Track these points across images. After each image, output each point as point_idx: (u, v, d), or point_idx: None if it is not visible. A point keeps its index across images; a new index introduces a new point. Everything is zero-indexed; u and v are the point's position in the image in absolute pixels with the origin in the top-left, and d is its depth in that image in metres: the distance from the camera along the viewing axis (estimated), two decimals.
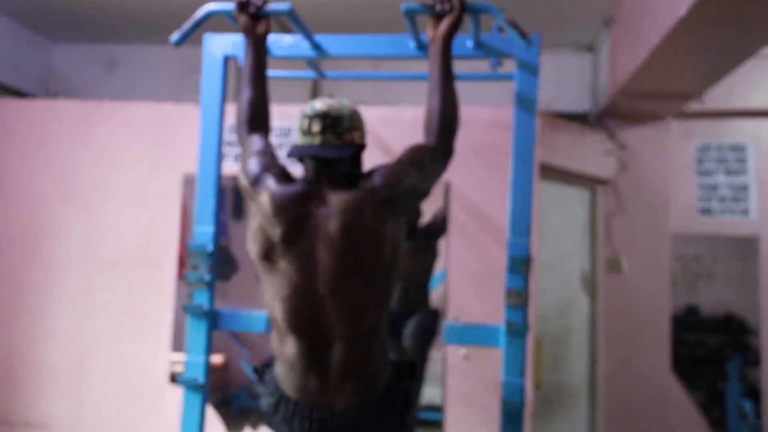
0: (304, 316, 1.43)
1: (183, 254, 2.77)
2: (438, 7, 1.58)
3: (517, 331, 1.67)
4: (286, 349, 1.47)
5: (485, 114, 2.69)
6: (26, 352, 2.83)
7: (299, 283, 1.42)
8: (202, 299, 1.83)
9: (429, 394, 2.75)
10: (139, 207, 2.84)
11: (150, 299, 2.79)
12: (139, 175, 2.85)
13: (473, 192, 2.68)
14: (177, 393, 2.19)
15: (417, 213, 2.71)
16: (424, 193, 1.52)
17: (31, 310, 2.85)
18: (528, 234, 1.71)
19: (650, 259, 3.54)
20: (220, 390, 3.04)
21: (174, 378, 2.71)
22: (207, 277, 1.82)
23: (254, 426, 2.87)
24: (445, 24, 1.57)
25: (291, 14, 1.68)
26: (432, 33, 1.60)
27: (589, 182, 3.54)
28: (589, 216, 3.61)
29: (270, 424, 1.54)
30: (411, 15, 1.65)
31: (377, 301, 1.46)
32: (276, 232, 1.42)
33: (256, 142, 1.58)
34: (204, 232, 1.85)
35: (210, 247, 1.83)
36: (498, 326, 1.73)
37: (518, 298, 1.68)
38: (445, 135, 1.54)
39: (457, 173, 2.55)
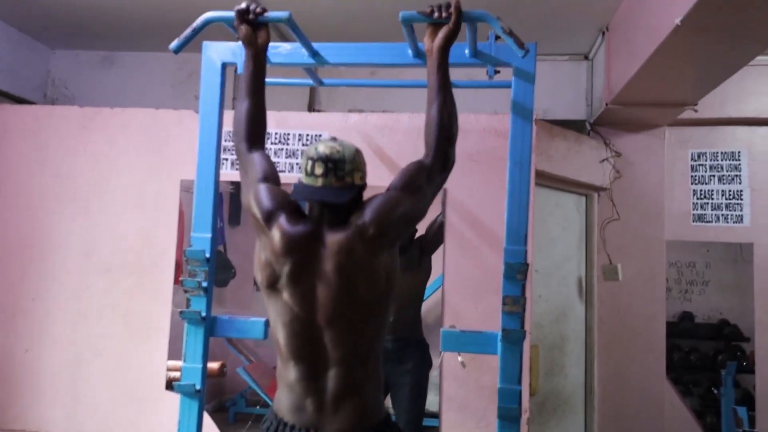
0: (304, 341, 1.49)
1: (180, 260, 2.78)
2: (435, 16, 1.60)
3: (513, 338, 1.68)
4: (287, 373, 1.52)
5: (482, 121, 2.71)
6: (23, 357, 2.82)
7: (300, 314, 1.48)
8: (199, 306, 1.83)
9: (426, 401, 2.75)
10: (136, 212, 2.84)
11: (147, 305, 2.79)
12: (136, 180, 2.86)
13: (470, 199, 2.70)
14: (174, 398, 2.18)
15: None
16: (419, 215, 1.56)
17: (28, 314, 2.84)
18: (525, 241, 1.72)
19: (645, 266, 3.56)
20: (216, 396, 3.03)
21: (171, 384, 2.71)
22: (204, 283, 1.83)
23: None
24: (442, 33, 1.59)
25: (290, 22, 1.69)
26: (430, 41, 1.61)
27: (585, 189, 3.57)
28: (585, 223, 3.64)
29: None
30: (408, 23, 1.67)
31: (373, 327, 1.52)
32: (284, 269, 1.48)
33: (261, 163, 1.61)
34: (202, 238, 1.85)
35: (207, 254, 1.83)
36: (494, 333, 1.74)
37: (515, 305, 1.69)
38: (444, 145, 1.56)
39: (453, 180, 2.55)
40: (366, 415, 1.51)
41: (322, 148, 1.50)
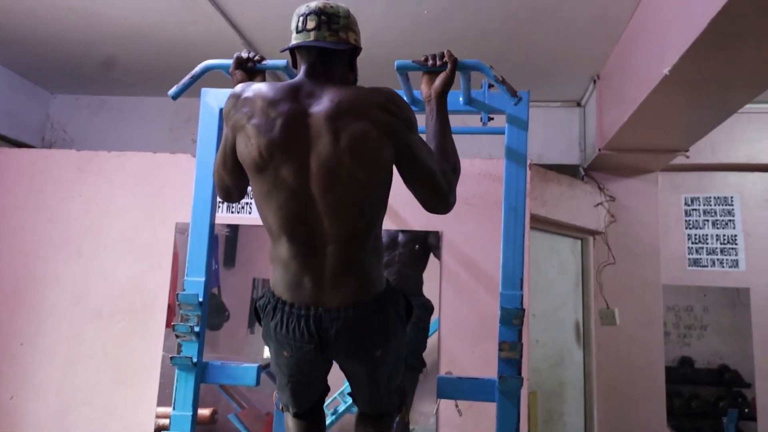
0: (298, 219, 1.40)
1: (173, 303, 2.74)
2: (430, 64, 1.64)
3: (510, 385, 1.65)
4: (280, 251, 1.44)
5: (477, 166, 2.74)
6: (7, 403, 2.75)
7: (294, 186, 1.39)
8: (191, 351, 1.80)
9: None
10: (129, 256, 2.82)
11: (137, 350, 2.74)
12: (131, 223, 2.85)
13: (465, 242, 2.70)
14: None
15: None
16: (413, 155, 1.44)
17: (15, 360, 2.78)
18: (520, 286, 1.71)
19: (642, 310, 3.54)
20: None
21: None
22: (197, 328, 1.80)
23: None
24: (439, 81, 1.62)
25: (287, 69, 1.72)
26: (426, 89, 1.64)
27: (580, 233, 3.58)
28: (581, 266, 3.63)
29: (266, 337, 1.50)
30: (404, 71, 1.70)
31: (369, 207, 1.43)
32: (277, 125, 1.37)
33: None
34: (195, 282, 1.84)
35: (201, 298, 1.81)
36: (492, 380, 1.71)
37: (511, 351, 1.67)
38: (448, 174, 1.53)
39: (449, 223, 2.58)
40: (367, 289, 1.43)
41: (314, 3, 1.44)
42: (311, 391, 1.62)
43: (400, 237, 2.76)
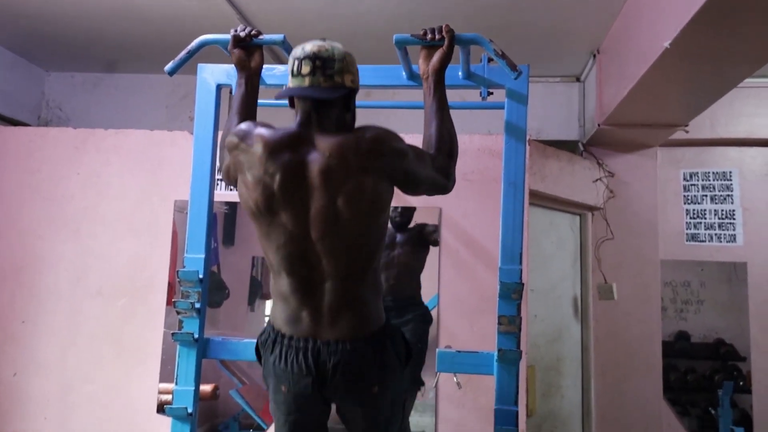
0: (297, 258, 1.43)
1: (173, 281, 2.76)
2: (429, 38, 1.62)
3: (509, 358, 1.66)
4: (280, 286, 1.47)
5: (476, 142, 2.73)
6: (10, 380, 2.78)
7: (293, 230, 1.42)
8: (192, 327, 1.81)
9: (421, 422, 2.72)
10: (129, 234, 2.82)
11: (139, 327, 2.76)
12: (129, 202, 2.85)
13: (464, 218, 2.70)
14: (165, 423, 2.15)
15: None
16: (411, 176, 1.48)
17: (17, 338, 2.80)
18: (519, 261, 1.72)
19: (640, 286, 3.56)
20: (208, 420, 2.98)
21: (162, 408, 2.67)
22: (197, 304, 1.81)
23: None
24: (437, 56, 1.61)
25: (284, 44, 1.71)
26: (425, 65, 1.63)
27: (579, 209, 3.58)
28: (579, 242, 3.64)
29: (266, 373, 1.52)
30: (402, 46, 1.69)
31: (365, 246, 1.45)
32: (276, 179, 1.40)
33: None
34: (195, 258, 1.84)
35: (201, 274, 1.82)
36: (490, 353, 1.72)
37: (510, 325, 1.68)
38: (445, 159, 1.55)
39: (448, 199, 2.57)
40: (365, 324, 1.46)
41: (309, 47, 1.44)
42: None
43: (398, 237, 2.75)
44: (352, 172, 1.39)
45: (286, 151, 1.41)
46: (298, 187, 1.40)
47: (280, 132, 1.44)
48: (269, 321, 1.54)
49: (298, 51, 1.46)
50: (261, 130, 1.45)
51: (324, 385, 1.44)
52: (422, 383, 2.64)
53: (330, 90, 1.43)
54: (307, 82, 1.43)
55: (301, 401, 1.47)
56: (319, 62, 1.42)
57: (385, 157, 1.42)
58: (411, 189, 1.53)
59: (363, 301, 1.47)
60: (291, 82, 1.46)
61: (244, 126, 1.49)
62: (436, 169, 1.52)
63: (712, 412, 3.80)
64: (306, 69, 1.42)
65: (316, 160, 1.41)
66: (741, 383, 3.93)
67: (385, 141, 1.43)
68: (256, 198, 1.42)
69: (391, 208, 1.61)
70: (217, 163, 1.73)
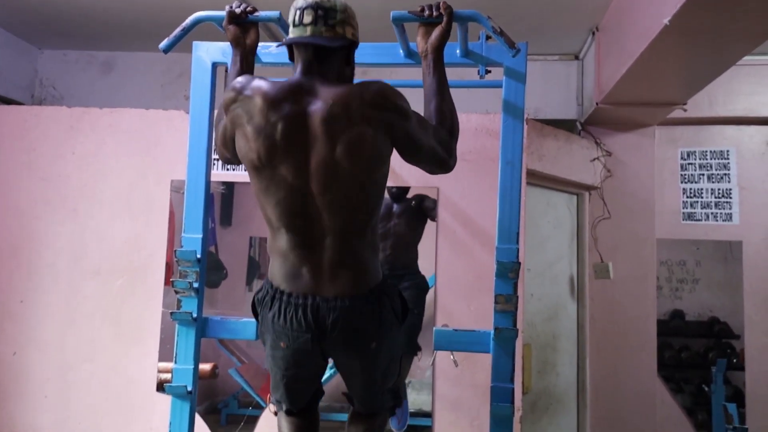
0: (298, 213, 1.43)
1: (171, 261, 2.76)
2: (426, 14, 1.60)
3: (505, 336, 1.68)
4: (279, 243, 1.47)
5: (473, 121, 2.72)
6: (10, 359, 2.80)
7: (294, 183, 1.41)
8: (190, 306, 1.82)
9: (418, 400, 2.75)
10: (125, 214, 2.82)
11: (137, 307, 2.77)
12: (126, 181, 2.83)
13: (461, 198, 2.70)
14: (165, 402, 2.17)
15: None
16: (411, 140, 1.47)
17: (16, 317, 2.81)
18: (516, 240, 1.73)
19: (636, 264, 3.58)
20: (208, 398, 3.01)
21: (162, 386, 2.69)
22: (196, 284, 1.81)
23: None
24: (435, 35, 1.59)
25: (280, 21, 1.69)
26: (423, 42, 1.61)
27: (576, 188, 3.58)
28: (576, 222, 3.65)
29: (264, 329, 1.53)
30: (399, 23, 1.67)
31: (365, 201, 1.46)
32: (278, 129, 1.38)
33: None
34: (193, 238, 1.84)
35: (199, 254, 1.82)
36: (487, 332, 1.74)
37: (507, 304, 1.69)
38: (447, 138, 1.54)
39: (446, 179, 2.57)
40: (364, 281, 1.47)
41: None
42: (306, 387, 1.62)
43: (395, 207, 2.74)
44: (355, 121, 1.38)
45: (289, 100, 1.40)
46: (300, 137, 1.39)
47: (281, 83, 1.43)
48: (267, 278, 1.53)
49: (299, 1, 1.44)
50: (260, 82, 1.44)
51: (323, 340, 1.46)
52: (419, 348, 2.67)
53: (333, 39, 1.42)
54: (308, 31, 1.42)
55: (300, 356, 1.49)
56: (321, 12, 1.41)
57: (388, 111, 1.41)
58: (410, 154, 1.50)
59: (362, 257, 1.47)
60: (292, 33, 1.44)
61: (241, 79, 1.48)
62: (438, 141, 1.50)
63: (706, 389, 3.86)
64: (308, 18, 1.41)
65: (318, 109, 1.39)
66: (734, 360, 3.98)
67: (390, 96, 1.42)
68: (257, 148, 1.40)
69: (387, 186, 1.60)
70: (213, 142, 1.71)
